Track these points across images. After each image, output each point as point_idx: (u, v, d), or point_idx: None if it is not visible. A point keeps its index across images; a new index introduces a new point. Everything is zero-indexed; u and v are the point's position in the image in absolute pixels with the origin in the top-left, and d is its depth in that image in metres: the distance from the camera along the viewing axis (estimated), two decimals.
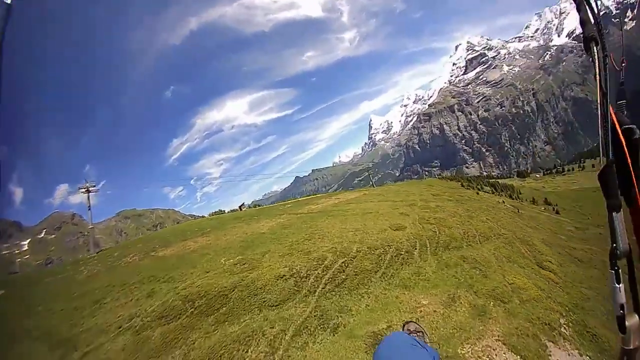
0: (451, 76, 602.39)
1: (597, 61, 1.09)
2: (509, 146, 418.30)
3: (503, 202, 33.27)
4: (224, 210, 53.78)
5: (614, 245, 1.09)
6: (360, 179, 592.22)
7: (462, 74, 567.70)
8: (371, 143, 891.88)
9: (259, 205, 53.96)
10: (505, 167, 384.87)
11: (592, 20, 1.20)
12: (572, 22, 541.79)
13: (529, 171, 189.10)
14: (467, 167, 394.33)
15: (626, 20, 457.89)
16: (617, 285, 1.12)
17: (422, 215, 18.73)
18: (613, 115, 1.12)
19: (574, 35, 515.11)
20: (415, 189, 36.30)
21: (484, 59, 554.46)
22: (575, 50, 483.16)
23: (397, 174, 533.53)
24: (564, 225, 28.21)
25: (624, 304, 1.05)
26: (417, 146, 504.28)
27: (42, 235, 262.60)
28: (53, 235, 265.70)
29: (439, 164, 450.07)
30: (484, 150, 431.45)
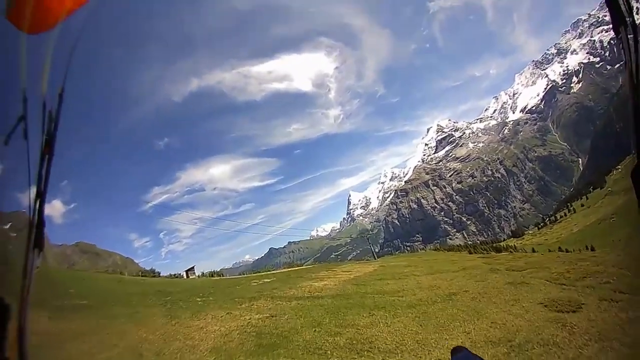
0: (424, 155, 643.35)
1: (627, 47, 1.02)
2: (488, 212, 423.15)
3: None
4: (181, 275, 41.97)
5: None
6: (337, 253, 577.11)
7: (434, 153, 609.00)
8: (350, 218, 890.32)
9: (219, 275, 40.23)
10: (489, 232, 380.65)
11: (622, 5, 1.20)
12: (525, 99, 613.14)
13: (515, 231, 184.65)
14: (450, 239, 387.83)
15: (572, 85, 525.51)
16: None
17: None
18: None
19: (527, 109, 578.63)
20: (440, 260, 31.77)
21: (451, 139, 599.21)
22: (529, 122, 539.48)
23: (377, 250, 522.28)
24: None
25: None
26: (396, 221, 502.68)
27: (7, 227, 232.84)
28: (14, 234, 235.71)
29: (421, 238, 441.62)
30: (464, 219, 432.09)
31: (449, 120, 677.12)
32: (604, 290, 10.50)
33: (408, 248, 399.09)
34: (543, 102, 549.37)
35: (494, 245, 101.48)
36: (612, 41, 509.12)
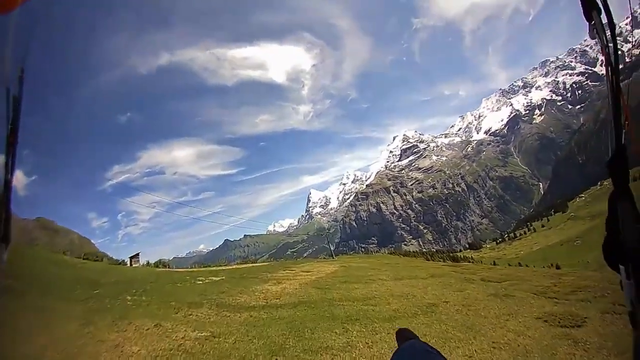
0: (387, 162, 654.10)
1: (601, 31, 1.22)
2: (446, 223, 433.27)
3: None
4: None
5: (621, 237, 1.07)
6: (293, 250, 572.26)
7: (397, 161, 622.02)
8: (308, 216, 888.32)
9: (165, 265, 35.78)
10: (445, 243, 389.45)
11: None
12: (489, 122, 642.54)
13: (473, 243, 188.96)
14: (405, 245, 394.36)
15: (535, 116, 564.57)
16: (628, 280, 1.06)
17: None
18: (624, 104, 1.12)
19: (490, 132, 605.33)
20: (402, 264, 30.79)
21: (416, 149, 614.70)
22: (492, 144, 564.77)
23: (333, 248, 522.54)
24: None
25: (635, 299, 1.01)
26: (354, 222, 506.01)
27: None
28: None
29: (377, 241, 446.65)
30: (421, 227, 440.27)
31: (415, 131, 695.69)
32: (602, 304, 9.94)
33: (363, 249, 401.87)
34: (506, 128, 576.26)
35: (451, 254, 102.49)
36: (574, 85, 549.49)
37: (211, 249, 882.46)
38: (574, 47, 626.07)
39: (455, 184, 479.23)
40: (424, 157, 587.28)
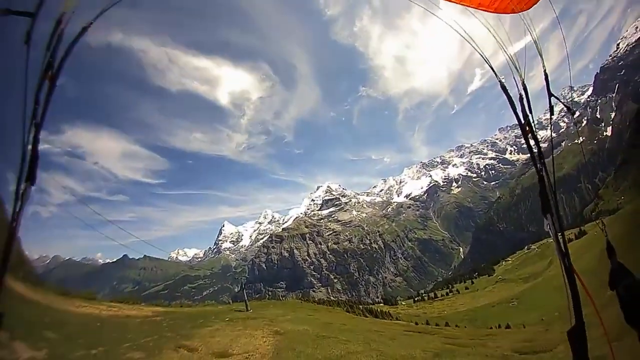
0: (308, 209, 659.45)
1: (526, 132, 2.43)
2: (358, 276, 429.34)
3: None
4: None
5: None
6: (193, 285, 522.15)
7: (318, 210, 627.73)
8: (216, 249, 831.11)
9: None
10: (354, 293, 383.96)
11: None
12: (409, 188, 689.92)
13: (387, 299, 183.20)
14: (314, 291, 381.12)
15: (452, 188, 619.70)
16: None
17: None
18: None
19: (411, 196, 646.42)
20: (344, 321, 26.97)
21: (337, 202, 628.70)
22: (412, 207, 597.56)
23: (237, 290, 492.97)
24: None
25: None
26: (263, 264, 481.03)
27: None
28: None
29: (285, 286, 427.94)
30: (332, 277, 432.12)
31: (340, 185, 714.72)
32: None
33: (270, 293, 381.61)
34: (426, 195, 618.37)
35: (367, 307, 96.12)
36: (487, 166, 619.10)
37: (108, 260, 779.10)
38: (486, 139, 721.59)
39: (372, 241, 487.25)
40: (345, 210, 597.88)
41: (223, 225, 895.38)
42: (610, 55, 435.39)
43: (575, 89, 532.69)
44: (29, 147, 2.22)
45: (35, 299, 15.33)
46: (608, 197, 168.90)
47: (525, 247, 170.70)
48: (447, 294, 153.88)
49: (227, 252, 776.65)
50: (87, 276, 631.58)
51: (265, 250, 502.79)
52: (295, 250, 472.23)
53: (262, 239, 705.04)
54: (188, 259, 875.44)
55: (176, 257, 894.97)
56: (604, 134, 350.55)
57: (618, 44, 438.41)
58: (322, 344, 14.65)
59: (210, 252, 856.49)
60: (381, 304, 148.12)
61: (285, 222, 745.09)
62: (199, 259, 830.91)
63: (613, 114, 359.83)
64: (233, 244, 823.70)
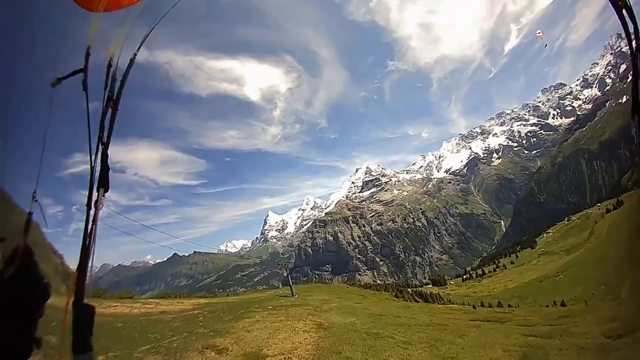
0: (349, 192, 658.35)
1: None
2: (403, 257, 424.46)
3: None
4: None
5: None
6: (244, 273, 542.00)
7: (359, 192, 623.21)
8: (263, 239, 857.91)
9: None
10: (401, 276, 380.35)
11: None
12: (449, 162, 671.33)
13: (436, 279, 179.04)
14: (359, 275, 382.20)
15: (493, 159, 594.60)
16: None
17: None
18: None
19: (451, 171, 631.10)
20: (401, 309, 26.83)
21: (378, 182, 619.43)
22: (452, 182, 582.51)
23: (285, 274, 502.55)
24: None
25: None
26: (309, 249, 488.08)
27: None
28: None
29: (331, 269, 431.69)
30: (378, 259, 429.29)
31: (378, 165, 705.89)
32: None
33: (317, 277, 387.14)
34: (466, 168, 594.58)
35: (416, 290, 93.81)
36: (528, 133, 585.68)
37: (158, 260, 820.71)
38: (527, 103, 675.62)
39: (415, 219, 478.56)
40: (386, 190, 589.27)
41: (267, 215, 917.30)
42: None
43: (622, 36, 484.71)
44: (97, 160, 2.76)
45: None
46: None
47: (566, 219, 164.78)
48: (494, 270, 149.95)
49: (274, 240, 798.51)
50: (139, 277, 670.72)
51: (310, 235, 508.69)
52: (339, 234, 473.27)
53: (306, 224, 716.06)
54: (237, 250, 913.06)
55: (225, 250, 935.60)
56: None
57: None
58: (374, 347, 12.03)
59: (257, 241, 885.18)
60: (429, 285, 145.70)
61: (328, 206, 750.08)
62: (248, 249, 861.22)
63: None
64: (279, 232, 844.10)
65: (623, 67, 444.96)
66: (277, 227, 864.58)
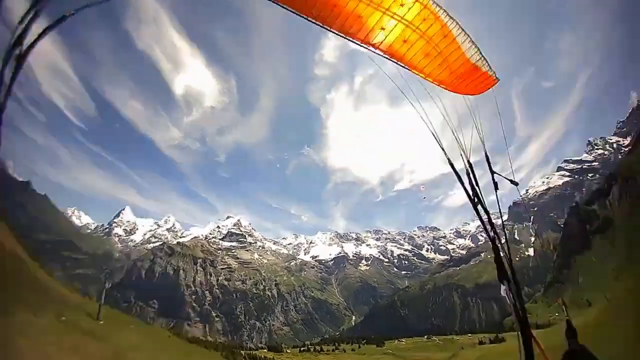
0: (210, 234, 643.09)
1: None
2: (243, 319, 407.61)
3: None
4: None
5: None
6: (74, 256, 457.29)
7: (220, 239, 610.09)
8: (107, 229, 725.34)
9: None
10: (236, 337, 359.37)
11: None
12: (318, 250, 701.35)
13: (275, 346, 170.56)
14: (189, 325, 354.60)
15: (360, 264, 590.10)
16: None
17: None
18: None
19: (317, 258, 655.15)
20: None
21: (242, 239, 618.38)
22: (315, 268, 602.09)
23: (105, 287, 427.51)
24: None
25: None
26: (143, 272, 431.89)
27: None
28: None
29: (157, 307, 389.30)
30: (214, 314, 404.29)
31: (250, 224, 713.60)
32: None
33: (139, 308, 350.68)
34: (333, 262, 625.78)
35: (250, 353, 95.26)
36: (400, 255, 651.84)
37: None
38: (404, 231, 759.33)
39: (266, 288, 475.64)
40: (247, 250, 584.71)
41: (123, 209, 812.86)
42: (520, 196, 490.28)
43: (491, 212, 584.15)
44: None
45: None
46: (537, 312, 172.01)
47: (425, 336, 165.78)
48: (333, 350, 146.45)
49: (116, 239, 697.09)
50: None
51: (151, 257, 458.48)
52: (181, 272, 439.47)
53: (154, 242, 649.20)
54: (80, 224, 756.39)
55: (71, 216, 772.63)
56: (526, 253, 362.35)
57: (527, 190, 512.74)
58: None
59: (100, 229, 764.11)
60: (265, 350, 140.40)
61: (184, 236, 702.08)
62: (89, 232, 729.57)
63: (533, 238, 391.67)
64: (125, 233, 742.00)
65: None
66: (126, 227, 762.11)
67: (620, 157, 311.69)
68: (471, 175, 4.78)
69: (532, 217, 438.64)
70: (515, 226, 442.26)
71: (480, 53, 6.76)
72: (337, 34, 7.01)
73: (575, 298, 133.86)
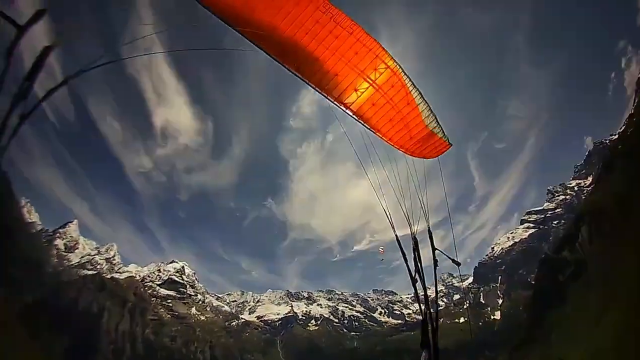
0: (149, 276, 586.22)
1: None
2: None
3: None
4: None
5: None
6: None
7: (158, 285, 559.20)
8: (49, 237, 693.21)
9: None
10: None
11: None
12: (265, 310, 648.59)
13: None
14: None
15: (310, 324, 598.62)
16: None
17: None
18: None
19: (263, 319, 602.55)
20: None
21: (182, 290, 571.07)
22: (259, 329, 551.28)
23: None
24: None
25: None
26: (66, 301, 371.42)
27: None
28: None
29: (67, 345, 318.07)
30: None
31: (194, 273, 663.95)
32: None
33: (45, 336, 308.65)
34: (280, 322, 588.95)
35: None
36: (352, 316, 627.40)
37: None
38: (358, 293, 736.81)
39: (199, 350, 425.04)
40: (185, 303, 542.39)
41: (72, 221, 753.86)
42: (486, 255, 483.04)
43: (454, 275, 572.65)
44: None
45: None
46: None
47: None
48: None
49: (54, 252, 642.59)
50: None
51: (81, 286, 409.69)
52: (106, 313, 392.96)
53: (89, 269, 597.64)
54: (28, 221, 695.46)
55: (23, 206, 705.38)
56: (492, 317, 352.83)
57: (492, 247, 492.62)
58: None
59: (44, 234, 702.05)
60: None
61: (120, 272, 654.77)
62: (33, 232, 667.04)
63: (500, 300, 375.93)
64: (65, 248, 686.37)
65: (456, 296, 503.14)
66: (67, 242, 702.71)
67: (584, 197, 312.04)
68: (416, 252, 5.35)
69: (499, 277, 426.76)
70: (482, 289, 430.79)
71: (437, 120, 7.75)
72: (314, 89, 7.61)
73: (545, 357, 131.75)
